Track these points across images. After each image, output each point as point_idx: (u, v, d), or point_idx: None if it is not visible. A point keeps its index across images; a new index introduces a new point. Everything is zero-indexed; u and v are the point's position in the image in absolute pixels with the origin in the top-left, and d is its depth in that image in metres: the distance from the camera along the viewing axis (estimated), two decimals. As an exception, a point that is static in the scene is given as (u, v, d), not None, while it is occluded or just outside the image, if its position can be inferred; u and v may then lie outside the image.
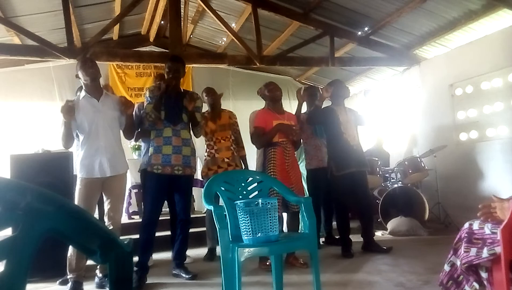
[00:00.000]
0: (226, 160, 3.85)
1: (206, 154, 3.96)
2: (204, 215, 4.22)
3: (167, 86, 3.18)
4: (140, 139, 3.89)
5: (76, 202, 2.92)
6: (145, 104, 3.30)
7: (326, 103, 4.17)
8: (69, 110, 2.87)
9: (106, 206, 3.09)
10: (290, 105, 7.58)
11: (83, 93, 3.08)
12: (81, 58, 3.48)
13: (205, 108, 4.10)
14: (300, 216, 4.46)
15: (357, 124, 4.11)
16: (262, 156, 3.62)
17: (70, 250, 2.97)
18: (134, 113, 3.82)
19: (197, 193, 5.19)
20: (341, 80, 4.39)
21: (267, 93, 3.68)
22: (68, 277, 3.00)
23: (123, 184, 3.24)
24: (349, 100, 4.17)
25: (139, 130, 3.70)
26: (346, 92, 4.13)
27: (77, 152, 3.39)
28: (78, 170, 3.02)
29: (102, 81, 3.40)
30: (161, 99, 3.19)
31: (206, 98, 4.04)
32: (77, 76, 3.08)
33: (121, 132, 3.26)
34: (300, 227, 4.60)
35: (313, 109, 4.17)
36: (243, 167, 4.08)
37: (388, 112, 6.73)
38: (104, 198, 3.12)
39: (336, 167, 3.93)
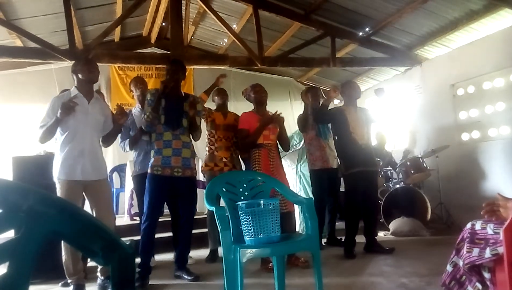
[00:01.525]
0: (223, 159, 3.87)
1: (206, 149, 3.99)
2: (206, 216, 4.22)
3: (165, 86, 3.18)
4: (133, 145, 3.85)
5: None
6: (145, 107, 3.31)
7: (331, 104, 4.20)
8: (69, 109, 2.76)
9: (94, 214, 2.95)
10: (291, 106, 7.60)
11: (74, 91, 2.99)
12: (85, 57, 3.44)
13: (212, 107, 4.14)
14: (301, 216, 4.51)
15: (369, 123, 4.13)
16: (248, 158, 3.63)
17: (64, 255, 2.90)
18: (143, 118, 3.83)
19: (199, 194, 5.18)
20: (354, 81, 4.41)
21: (252, 95, 3.69)
22: (69, 281, 2.98)
23: (108, 188, 3.14)
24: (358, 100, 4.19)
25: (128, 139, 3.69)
26: (357, 93, 4.13)
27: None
28: (57, 171, 2.89)
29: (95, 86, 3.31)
30: (159, 100, 3.19)
31: (216, 97, 4.12)
32: (74, 72, 3.00)
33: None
34: (302, 228, 4.62)
35: (319, 108, 4.15)
36: (244, 168, 4.09)
37: (390, 113, 6.72)
38: (90, 205, 2.99)
39: (345, 166, 3.96)
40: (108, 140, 3.16)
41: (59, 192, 2.87)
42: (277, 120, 3.56)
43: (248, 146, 3.58)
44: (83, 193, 2.99)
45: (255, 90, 3.69)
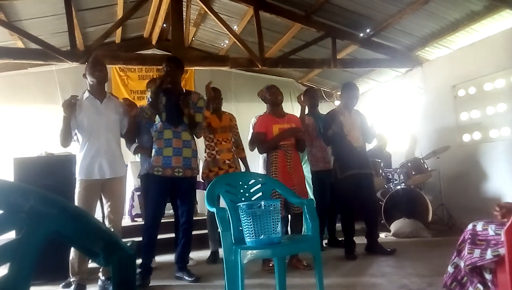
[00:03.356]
0: (227, 161, 3.86)
1: (205, 155, 3.96)
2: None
3: (161, 82, 3.18)
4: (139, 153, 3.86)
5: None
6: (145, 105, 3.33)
7: (329, 106, 4.19)
8: (71, 105, 2.88)
9: (106, 209, 3.08)
10: (292, 107, 7.56)
11: (86, 94, 3.09)
12: (92, 59, 3.47)
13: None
14: (303, 218, 4.50)
15: (364, 125, 4.11)
16: (265, 160, 3.67)
17: (72, 253, 2.97)
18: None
19: (200, 195, 5.18)
20: (354, 84, 4.31)
21: (268, 96, 3.70)
22: (71, 280, 3.00)
23: (123, 186, 3.24)
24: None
25: (137, 144, 3.66)
26: (354, 95, 4.08)
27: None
28: (77, 172, 3.01)
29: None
30: (157, 96, 3.16)
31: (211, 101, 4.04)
32: (84, 75, 3.10)
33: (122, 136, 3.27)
34: (303, 229, 4.61)
35: (325, 118, 4.16)
36: (243, 168, 4.08)
37: (390, 114, 6.72)
38: (104, 201, 3.11)
39: (340, 170, 3.94)
40: (129, 136, 3.27)
41: (77, 192, 2.98)
42: (298, 134, 3.62)
43: (265, 151, 3.64)
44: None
45: (270, 91, 3.71)
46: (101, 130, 3.03)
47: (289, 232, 3.70)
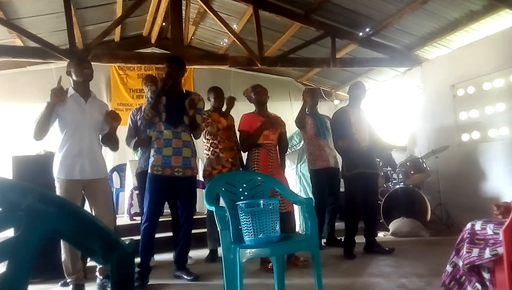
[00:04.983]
0: (230, 160, 3.86)
1: (206, 151, 3.96)
2: (205, 216, 4.22)
3: (164, 84, 3.15)
4: (139, 147, 3.87)
5: None
6: (144, 106, 3.31)
7: (328, 105, 4.19)
8: (60, 92, 2.74)
9: (93, 213, 2.95)
10: (291, 107, 7.60)
11: (71, 91, 3.00)
12: (78, 56, 3.43)
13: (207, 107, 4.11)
14: (301, 217, 4.50)
15: (370, 124, 4.14)
16: (246, 157, 3.65)
17: (63, 254, 2.90)
18: (129, 118, 3.84)
19: (199, 194, 5.18)
20: (361, 82, 4.36)
21: (253, 96, 3.70)
22: (68, 280, 2.97)
23: (107, 187, 3.14)
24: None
25: (136, 138, 3.71)
26: (363, 94, 4.13)
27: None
28: (56, 171, 2.89)
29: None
30: (158, 98, 3.16)
31: (212, 99, 4.05)
32: (68, 73, 3.01)
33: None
34: (302, 228, 4.61)
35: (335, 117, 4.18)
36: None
37: (389, 113, 6.73)
38: (89, 204, 2.99)
39: (347, 167, 3.97)
40: (106, 140, 3.09)
41: (58, 191, 2.87)
42: (278, 124, 3.59)
43: (248, 147, 3.61)
44: (83, 193, 2.99)
45: (256, 90, 3.70)
46: (85, 129, 2.93)
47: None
